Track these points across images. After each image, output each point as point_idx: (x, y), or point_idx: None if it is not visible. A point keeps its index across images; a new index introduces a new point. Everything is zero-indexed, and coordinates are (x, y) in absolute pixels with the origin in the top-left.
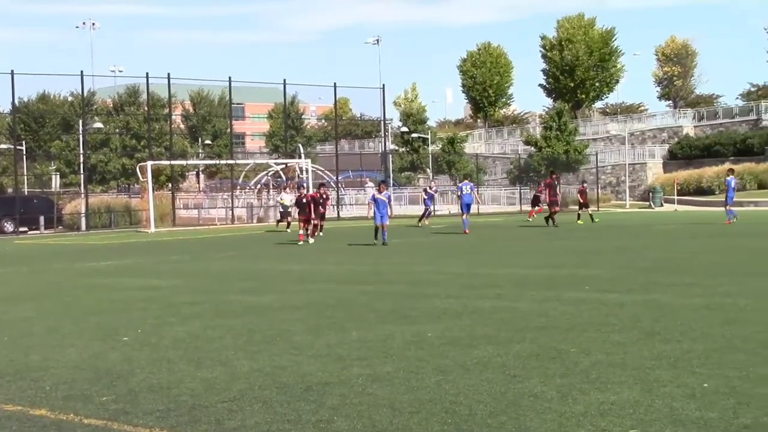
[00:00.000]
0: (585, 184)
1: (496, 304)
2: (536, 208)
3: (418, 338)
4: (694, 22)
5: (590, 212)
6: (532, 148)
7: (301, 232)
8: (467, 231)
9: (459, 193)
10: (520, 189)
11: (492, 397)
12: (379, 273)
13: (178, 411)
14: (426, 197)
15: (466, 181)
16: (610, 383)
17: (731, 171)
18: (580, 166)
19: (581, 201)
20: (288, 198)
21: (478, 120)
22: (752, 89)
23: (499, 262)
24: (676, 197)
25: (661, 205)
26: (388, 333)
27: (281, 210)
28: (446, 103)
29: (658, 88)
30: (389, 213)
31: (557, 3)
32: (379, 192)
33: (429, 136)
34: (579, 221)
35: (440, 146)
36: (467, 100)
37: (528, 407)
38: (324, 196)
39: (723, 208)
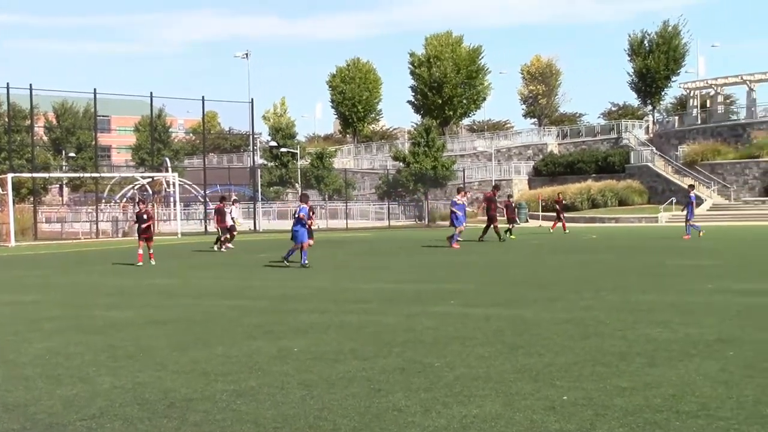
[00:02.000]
0: (510, 198)
1: (362, 318)
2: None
3: (283, 353)
4: (558, 41)
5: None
6: (401, 164)
7: (140, 251)
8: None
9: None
10: (389, 204)
11: (356, 412)
12: (247, 288)
13: (34, 430)
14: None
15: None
16: (473, 396)
17: (692, 187)
18: (448, 181)
19: (508, 215)
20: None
21: (347, 135)
22: (613, 108)
23: (367, 276)
24: (540, 213)
25: (527, 221)
26: (254, 348)
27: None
28: (315, 118)
29: (524, 106)
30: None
31: (426, 20)
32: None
33: (298, 151)
34: (511, 236)
35: (309, 161)
36: (336, 116)
37: (391, 421)
38: (146, 215)
39: (683, 223)
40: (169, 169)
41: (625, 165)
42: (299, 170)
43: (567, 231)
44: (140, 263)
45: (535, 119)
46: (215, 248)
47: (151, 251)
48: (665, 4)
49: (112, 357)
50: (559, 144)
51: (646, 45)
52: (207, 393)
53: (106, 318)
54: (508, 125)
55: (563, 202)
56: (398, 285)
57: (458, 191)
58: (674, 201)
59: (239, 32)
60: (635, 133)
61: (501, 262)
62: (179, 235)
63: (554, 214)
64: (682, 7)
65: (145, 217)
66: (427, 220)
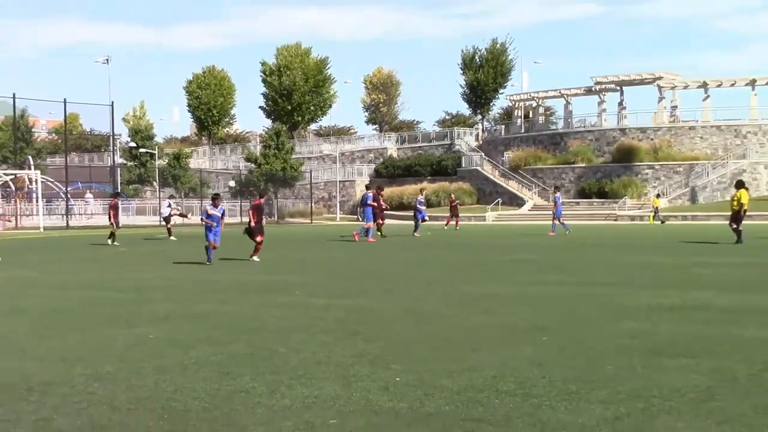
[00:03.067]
0: (453, 196)
1: (217, 308)
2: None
3: (140, 340)
4: (398, 54)
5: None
6: (253, 165)
7: None
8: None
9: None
10: (241, 202)
11: (207, 394)
12: (105, 280)
13: None
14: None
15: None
16: (315, 379)
17: (557, 189)
18: (296, 182)
19: (452, 213)
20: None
21: (203, 137)
22: (447, 117)
23: (222, 269)
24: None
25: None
26: (111, 336)
27: None
28: (173, 120)
29: (366, 114)
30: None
31: (277, 31)
32: (215, 207)
33: (156, 152)
34: (456, 227)
35: (167, 161)
36: (193, 119)
37: (239, 402)
38: None
39: (552, 222)
40: (32, 167)
41: (457, 168)
42: (157, 169)
43: (458, 228)
44: None
45: (377, 126)
46: (109, 242)
47: None
48: (496, 22)
49: None
50: (398, 148)
51: (477, 60)
52: (65, 378)
53: None
54: (352, 131)
55: (456, 202)
56: (250, 277)
57: (367, 188)
58: (500, 202)
59: (102, 39)
60: (466, 140)
61: (341, 258)
62: (41, 229)
63: (388, 212)
64: (510, 26)
65: None
66: (276, 217)
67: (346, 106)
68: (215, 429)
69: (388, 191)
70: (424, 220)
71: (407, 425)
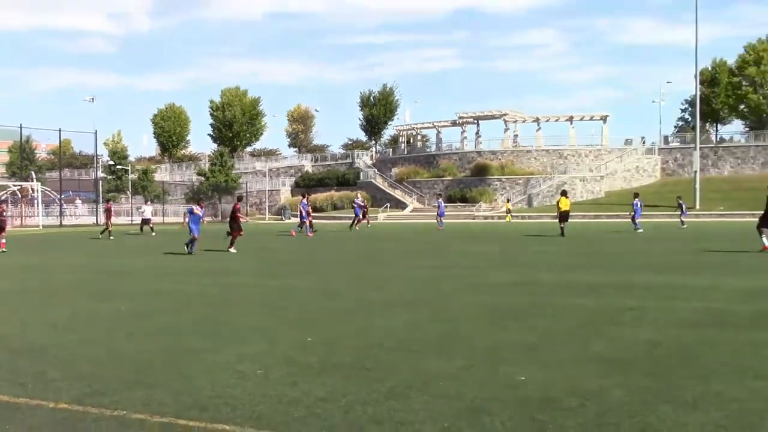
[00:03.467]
0: (363, 199)
1: (173, 287)
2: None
3: (114, 312)
4: (313, 94)
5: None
6: (203, 178)
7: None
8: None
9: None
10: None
11: (163, 352)
12: (90, 265)
13: None
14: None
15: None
16: (247, 340)
17: (439, 195)
18: (235, 191)
19: (364, 213)
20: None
21: (165, 157)
22: (349, 142)
23: (178, 258)
24: (299, 212)
25: (290, 218)
26: (94, 309)
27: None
28: (143, 144)
29: (289, 139)
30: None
31: (222, 77)
32: (200, 208)
33: (129, 168)
34: (368, 225)
35: (137, 175)
36: (157, 143)
37: (188, 358)
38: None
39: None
40: (34, 180)
41: (357, 181)
42: (130, 182)
43: (369, 225)
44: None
45: (297, 148)
46: (101, 237)
47: (3, 240)
48: (386, 71)
49: None
50: (312, 165)
51: (372, 100)
52: (57, 341)
53: None
54: (278, 152)
55: (365, 205)
56: (199, 264)
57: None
58: (389, 206)
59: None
60: (364, 159)
61: (272, 248)
62: (41, 227)
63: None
64: (396, 74)
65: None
66: (221, 217)
67: (274, 134)
68: (169, 377)
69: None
70: (363, 217)
71: (318, 373)
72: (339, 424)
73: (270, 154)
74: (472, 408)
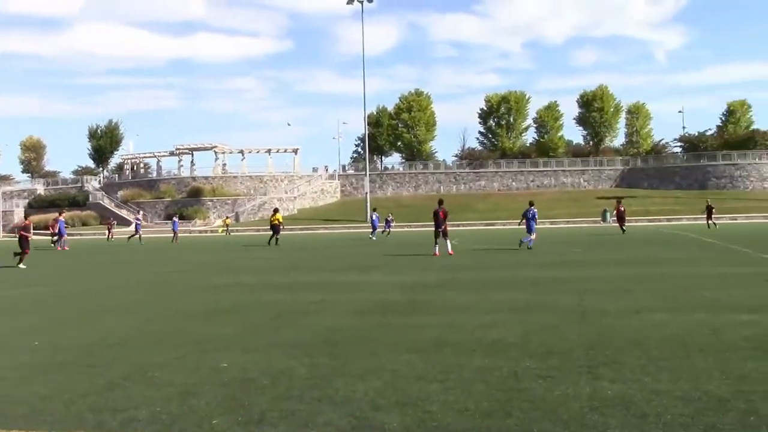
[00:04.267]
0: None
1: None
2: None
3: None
4: (46, 127)
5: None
6: None
7: None
8: None
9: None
10: None
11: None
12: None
13: None
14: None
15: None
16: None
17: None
18: None
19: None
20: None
21: None
22: (79, 168)
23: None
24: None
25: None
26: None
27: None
28: None
29: (22, 166)
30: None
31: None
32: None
33: None
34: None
35: None
36: None
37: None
38: None
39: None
40: None
41: (87, 202)
42: None
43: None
44: None
45: (30, 174)
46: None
47: None
48: (112, 108)
49: None
50: (45, 189)
51: (99, 133)
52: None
53: None
54: (11, 177)
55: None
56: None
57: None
58: (116, 223)
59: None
60: (93, 183)
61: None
62: None
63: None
64: (122, 112)
65: None
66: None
67: (8, 161)
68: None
69: (35, 218)
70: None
71: (43, 372)
72: (62, 418)
73: (3, 179)
74: (182, 392)
